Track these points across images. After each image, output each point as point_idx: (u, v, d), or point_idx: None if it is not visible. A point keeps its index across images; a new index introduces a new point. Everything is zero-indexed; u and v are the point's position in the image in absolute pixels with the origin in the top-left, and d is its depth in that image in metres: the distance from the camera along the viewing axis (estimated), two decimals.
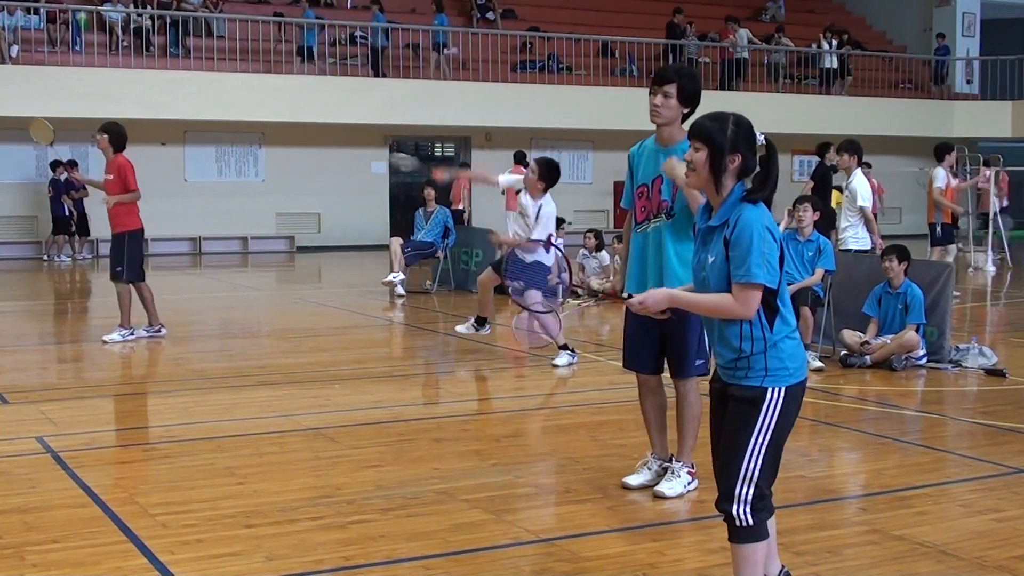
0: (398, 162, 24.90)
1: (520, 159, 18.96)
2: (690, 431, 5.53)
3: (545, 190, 9.15)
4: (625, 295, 4.02)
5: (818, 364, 8.93)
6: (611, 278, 13.53)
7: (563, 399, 8.34)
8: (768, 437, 3.62)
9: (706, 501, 5.25)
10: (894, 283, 9.12)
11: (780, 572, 3.93)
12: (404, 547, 4.73)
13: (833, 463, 6.46)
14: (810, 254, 9.15)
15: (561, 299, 9.69)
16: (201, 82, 20.90)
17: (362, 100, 22.17)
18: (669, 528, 5.08)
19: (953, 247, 13.91)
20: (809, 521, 5.08)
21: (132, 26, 21.40)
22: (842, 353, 9.31)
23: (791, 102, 25.83)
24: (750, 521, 3.62)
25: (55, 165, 20.16)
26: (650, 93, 5.34)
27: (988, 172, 18.48)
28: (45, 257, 20.78)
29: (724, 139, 3.65)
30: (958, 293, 12.76)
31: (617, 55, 25.65)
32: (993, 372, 8.89)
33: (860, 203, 10.42)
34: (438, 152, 25.77)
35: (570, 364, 9.18)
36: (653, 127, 5.42)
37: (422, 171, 23.89)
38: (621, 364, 5.77)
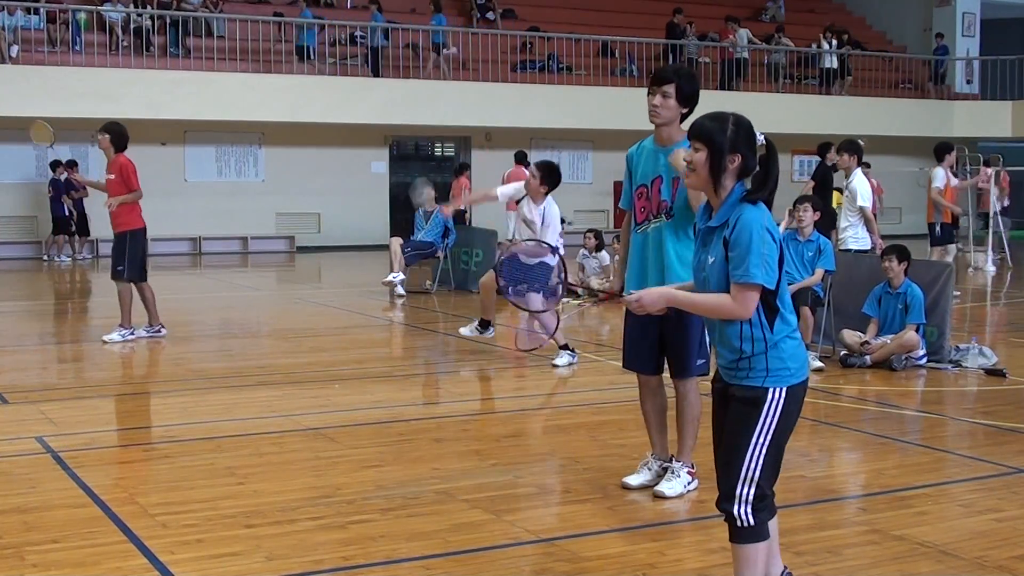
0: (399, 167, 24.92)
1: (521, 159, 18.96)
2: (690, 431, 5.53)
3: (547, 193, 9.19)
4: (625, 295, 4.00)
5: (818, 364, 8.93)
6: (611, 278, 13.53)
7: (563, 399, 8.34)
8: (769, 437, 3.61)
9: (706, 501, 5.25)
10: (894, 283, 9.12)
11: (782, 573, 3.93)
12: (404, 547, 4.73)
13: (833, 463, 6.46)
14: (810, 254, 9.15)
15: (558, 299, 9.68)
16: (201, 82, 20.90)
17: (362, 100, 22.17)
18: (669, 528, 5.08)
19: (953, 247, 13.91)
20: (809, 521, 5.08)
21: (132, 26, 21.40)
22: (842, 353, 9.31)
23: (791, 102, 25.83)
24: (751, 521, 3.62)
25: (55, 165, 20.16)
26: (648, 93, 5.34)
27: (989, 171, 18.48)
28: (45, 257, 20.78)
29: (724, 139, 3.64)
30: (958, 293, 12.77)
31: (617, 55, 25.65)
32: (993, 372, 8.89)
33: (860, 203, 10.43)
34: (438, 152, 25.77)
35: (570, 364, 9.19)
36: (653, 127, 5.42)
37: (423, 173, 23.89)
38: (621, 364, 5.77)
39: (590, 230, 14.94)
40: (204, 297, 15.61)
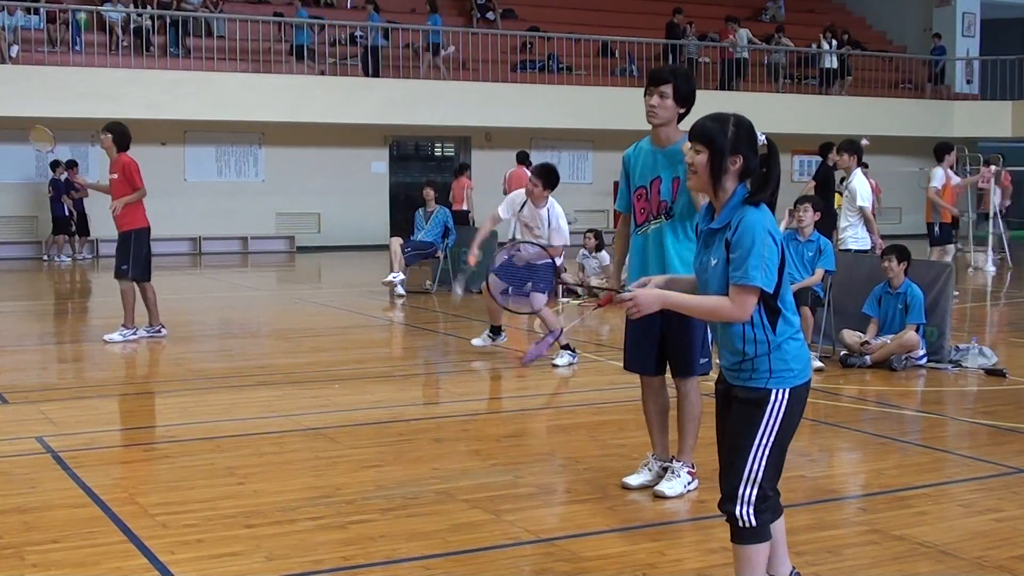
0: (399, 167, 24.92)
1: (523, 159, 18.96)
2: (690, 430, 5.53)
3: (548, 195, 9.23)
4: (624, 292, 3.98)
5: (818, 364, 8.93)
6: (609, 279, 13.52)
7: (563, 399, 8.34)
8: (772, 439, 3.61)
9: (706, 501, 5.26)
10: (894, 283, 9.12)
11: (791, 573, 3.93)
12: (404, 547, 4.73)
13: (833, 463, 6.46)
14: (810, 254, 9.16)
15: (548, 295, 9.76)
16: (201, 82, 20.90)
17: (362, 100, 22.17)
18: (669, 528, 5.08)
19: (951, 247, 13.91)
20: (809, 521, 5.08)
21: (132, 26, 21.41)
22: (842, 353, 9.31)
23: (791, 102, 25.84)
24: (753, 522, 3.62)
25: (55, 165, 20.18)
26: (645, 94, 5.34)
27: (992, 169, 18.47)
28: (45, 257, 20.78)
29: (725, 140, 3.63)
30: (956, 293, 12.76)
31: (617, 55, 25.66)
32: (993, 372, 8.89)
33: (860, 203, 10.43)
34: (438, 152, 25.77)
35: (570, 364, 9.19)
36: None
37: (422, 171, 23.90)
38: (623, 366, 5.76)
39: (590, 230, 14.94)
40: (204, 297, 15.61)
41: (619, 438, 6.69)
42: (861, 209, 10.43)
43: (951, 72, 29.59)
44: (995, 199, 19.41)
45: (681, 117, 5.33)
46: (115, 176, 10.28)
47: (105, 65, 20.44)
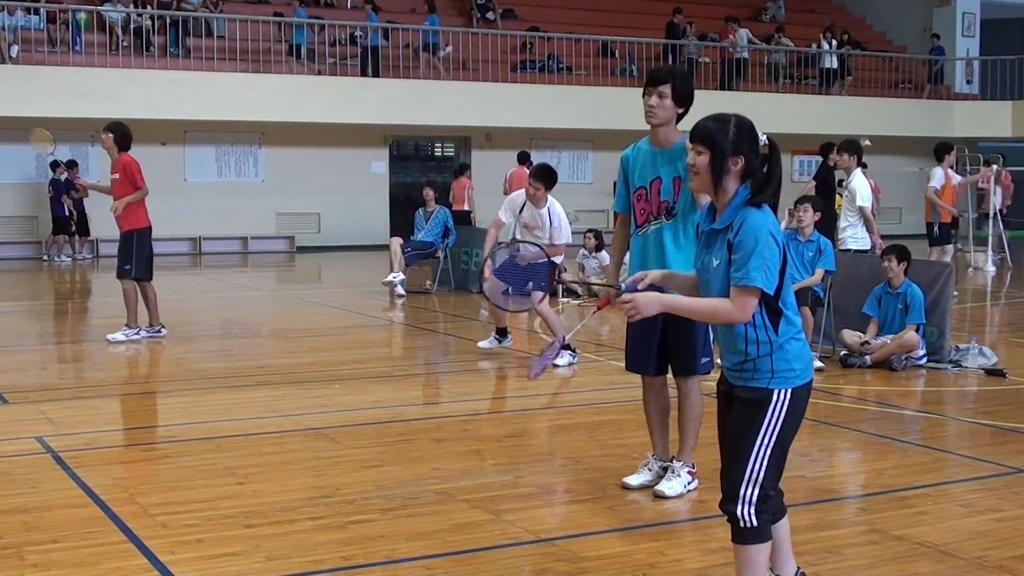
0: (399, 167, 24.91)
1: (524, 159, 18.96)
2: (691, 430, 5.53)
3: (548, 194, 9.24)
4: (621, 286, 3.97)
5: (818, 364, 8.92)
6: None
7: (563, 399, 8.34)
8: (774, 439, 3.61)
9: (706, 501, 5.26)
10: (894, 283, 9.12)
11: (796, 573, 3.93)
12: (404, 547, 4.73)
13: (833, 463, 6.46)
14: (810, 254, 9.16)
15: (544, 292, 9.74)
16: (201, 82, 20.90)
17: (362, 100, 22.17)
18: (669, 528, 5.08)
19: (950, 247, 13.91)
20: (809, 521, 5.08)
21: (132, 26, 21.40)
22: (842, 353, 9.32)
23: (791, 102, 25.83)
24: (754, 522, 3.62)
25: (55, 165, 20.18)
26: (644, 94, 5.35)
27: (994, 169, 18.46)
28: (45, 257, 20.78)
29: (726, 141, 3.62)
30: (955, 293, 12.77)
31: (617, 55, 25.66)
32: (993, 372, 8.89)
33: (859, 203, 10.42)
34: (438, 152, 25.77)
35: (570, 364, 9.19)
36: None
37: (422, 172, 23.90)
38: (624, 366, 5.75)
39: (590, 230, 14.95)
40: (204, 297, 15.61)
41: (619, 438, 6.69)
42: (861, 209, 10.43)
43: (951, 72, 29.58)
44: (995, 199, 19.41)
45: (680, 117, 5.34)
46: (117, 176, 10.31)
47: (105, 65, 20.43)
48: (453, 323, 12.59)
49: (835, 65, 27.00)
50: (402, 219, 20.74)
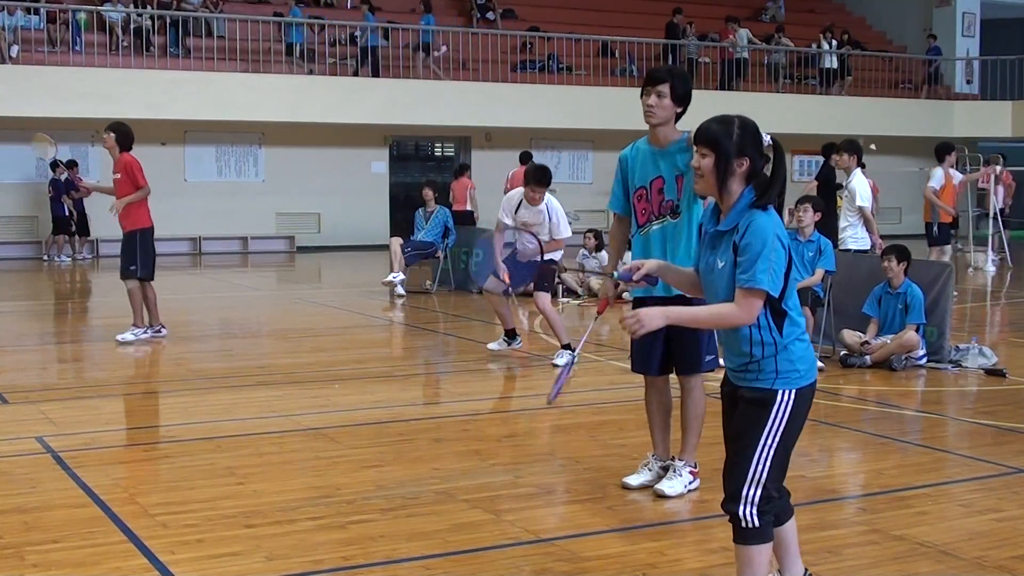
0: (399, 167, 24.90)
1: (525, 159, 18.93)
2: (694, 429, 5.52)
3: (544, 192, 9.24)
4: (616, 274, 3.96)
5: (818, 364, 8.92)
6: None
7: (563, 399, 8.32)
8: (777, 439, 3.60)
9: (707, 501, 5.26)
10: (894, 283, 9.12)
11: (804, 574, 3.94)
12: (404, 547, 4.73)
13: (833, 463, 6.46)
14: (811, 254, 9.16)
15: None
16: (201, 82, 20.89)
17: (362, 100, 22.16)
18: (669, 528, 5.08)
19: (950, 247, 13.90)
20: (809, 521, 5.08)
21: (132, 26, 21.40)
22: (842, 353, 9.32)
23: (791, 102, 25.82)
24: (756, 523, 3.62)
25: (55, 165, 20.17)
26: (643, 94, 5.35)
27: (996, 169, 18.45)
28: (45, 257, 20.77)
29: (731, 143, 3.62)
30: (955, 293, 12.77)
31: (617, 55, 25.65)
32: (993, 372, 8.89)
33: (859, 203, 10.42)
34: (438, 152, 25.77)
35: (570, 364, 9.15)
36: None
37: (422, 172, 23.89)
38: (631, 368, 5.74)
39: (590, 230, 14.95)
40: (204, 297, 15.61)
41: (619, 438, 6.69)
42: (860, 209, 10.43)
43: (951, 72, 29.58)
44: (995, 199, 19.40)
45: (678, 116, 5.35)
46: (118, 176, 10.31)
47: (105, 65, 20.43)
48: (453, 323, 12.59)
49: (835, 65, 27.00)
50: (402, 219, 20.73)
